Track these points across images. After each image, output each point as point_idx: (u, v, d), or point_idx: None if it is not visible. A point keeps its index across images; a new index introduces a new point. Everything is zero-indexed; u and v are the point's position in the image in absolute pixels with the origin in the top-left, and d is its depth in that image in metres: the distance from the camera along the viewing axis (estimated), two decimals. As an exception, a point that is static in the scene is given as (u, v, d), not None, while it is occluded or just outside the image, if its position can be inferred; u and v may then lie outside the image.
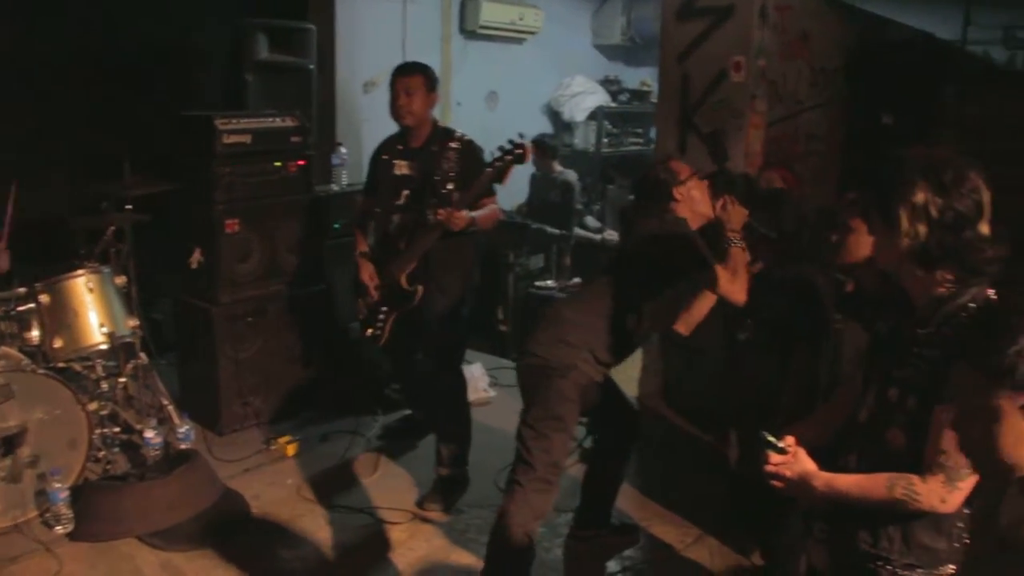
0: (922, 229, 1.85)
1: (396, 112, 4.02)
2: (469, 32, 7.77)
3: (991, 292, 1.88)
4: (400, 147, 4.13)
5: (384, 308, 4.08)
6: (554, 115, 8.81)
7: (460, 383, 4.24)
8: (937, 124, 5.13)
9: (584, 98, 8.65)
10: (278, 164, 4.72)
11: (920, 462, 1.90)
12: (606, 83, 9.05)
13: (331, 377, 4.99)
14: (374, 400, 4.97)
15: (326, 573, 3.56)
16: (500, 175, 3.76)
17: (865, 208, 2.65)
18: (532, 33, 8.17)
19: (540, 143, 7.25)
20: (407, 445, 4.66)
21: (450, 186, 3.90)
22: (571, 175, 7.43)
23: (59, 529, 3.64)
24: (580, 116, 8.65)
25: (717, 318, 4.31)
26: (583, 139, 8.81)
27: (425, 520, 3.93)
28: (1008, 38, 6.19)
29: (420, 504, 4.05)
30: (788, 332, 3.39)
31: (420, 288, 3.98)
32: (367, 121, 6.47)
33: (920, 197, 1.85)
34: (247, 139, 4.57)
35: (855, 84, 5.32)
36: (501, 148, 3.72)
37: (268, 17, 5.46)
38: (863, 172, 2.04)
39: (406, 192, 4.07)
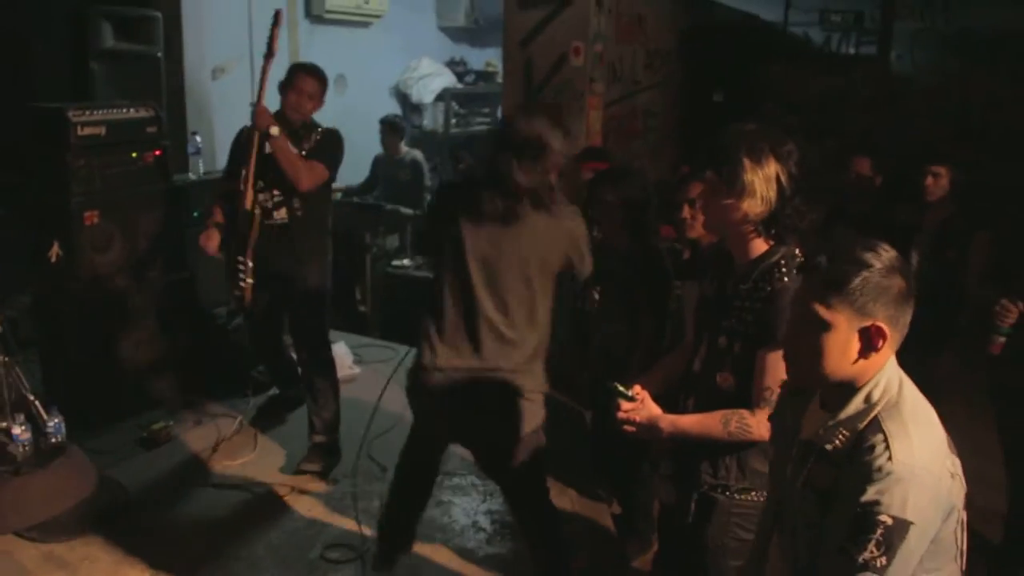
0: (774, 196, 2.16)
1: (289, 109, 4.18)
2: (315, 17, 7.83)
3: (798, 251, 2.22)
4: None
5: (243, 274, 4.20)
6: (402, 97, 8.96)
7: (331, 357, 4.49)
8: (763, 100, 5.60)
9: (431, 80, 8.83)
10: (134, 155, 4.72)
11: (748, 399, 2.22)
12: (452, 65, 9.26)
13: (199, 363, 5.05)
14: (242, 382, 5.03)
15: (211, 549, 3.67)
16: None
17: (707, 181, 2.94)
18: (378, 16, 8.29)
19: (391, 123, 7.36)
20: (278, 422, 4.83)
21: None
22: (418, 154, 7.58)
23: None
24: (428, 98, 8.83)
25: (564, 289, 4.63)
26: (432, 120, 9.01)
27: (304, 492, 4.09)
28: (824, 20, 6.74)
29: (299, 466, 4.25)
30: (634, 298, 3.70)
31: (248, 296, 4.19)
32: (218, 108, 6.49)
33: (772, 168, 2.14)
34: (101, 130, 4.55)
35: (688, 64, 5.73)
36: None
37: (110, 4, 5.41)
38: (707, 147, 2.31)
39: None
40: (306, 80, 4.16)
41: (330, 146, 4.20)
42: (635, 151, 5.26)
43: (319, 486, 4.15)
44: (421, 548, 3.61)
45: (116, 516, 3.86)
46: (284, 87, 4.17)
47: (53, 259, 4.56)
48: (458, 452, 4.45)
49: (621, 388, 2.36)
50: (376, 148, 7.46)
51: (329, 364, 4.45)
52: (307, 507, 3.99)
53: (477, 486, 4.16)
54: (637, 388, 2.38)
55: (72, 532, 3.70)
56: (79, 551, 3.61)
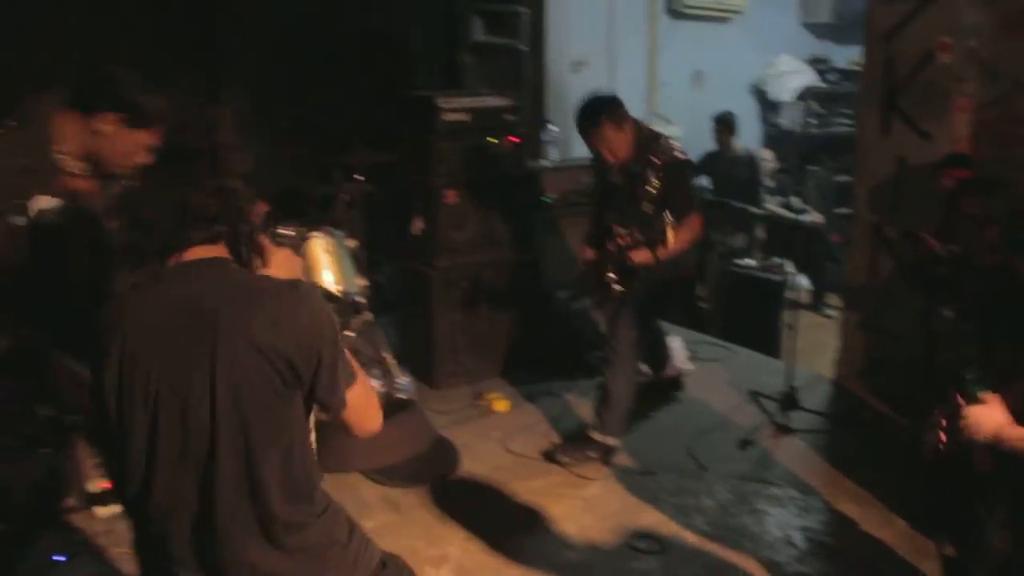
0: None
1: (604, 159, 4.13)
2: (675, 12, 7.88)
3: None
4: None
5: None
6: (760, 94, 8.78)
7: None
8: None
9: (791, 78, 8.59)
10: (493, 140, 5.06)
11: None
12: (814, 62, 8.93)
13: (537, 341, 5.31)
14: (575, 365, 5.24)
15: (522, 517, 3.84)
16: None
17: None
18: (738, 12, 8.19)
19: (724, 120, 7.29)
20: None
21: (648, 206, 3.95)
22: (755, 150, 7.43)
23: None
24: (786, 96, 8.59)
25: (917, 302, 4.32)
26: (789, 119, 8.74)
27: (620, 479, 4.15)
28: None
29: (553, 451, 4.31)
30: (993, 322, 3.38)
31: (619, 288, 4.17)
32: (575, 100, 6.71)
33: None
34: (466, 117, 4.93)
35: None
36: None
37: (482, 1, 5.81)
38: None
39: (614, 199, 4.24)
40: (595, 133, 4.05)
41: (685, 186, 4.06)
42: (1017, 160, 4.74)
43: (636, 476, 4.20)
44: (726, 553, 3.57)
45: (447, 472, 4.17)
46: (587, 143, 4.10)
47: (416, 233, 5.01)
48: (781, 461, 4.33)
49: (971, 385, 2.17)
50: (705, 143, 7.43)
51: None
52: (621, 494, 4.04)
53: (795, 499, 4.00)
54: (989, 394, 2.18)
55: (407, 480, 4.04)
56: (411, 499, 3.93)
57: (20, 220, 2.30)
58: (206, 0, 5.28)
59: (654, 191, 3.95)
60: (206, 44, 5.38)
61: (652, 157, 3.99)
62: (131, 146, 2.41)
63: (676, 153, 4.09)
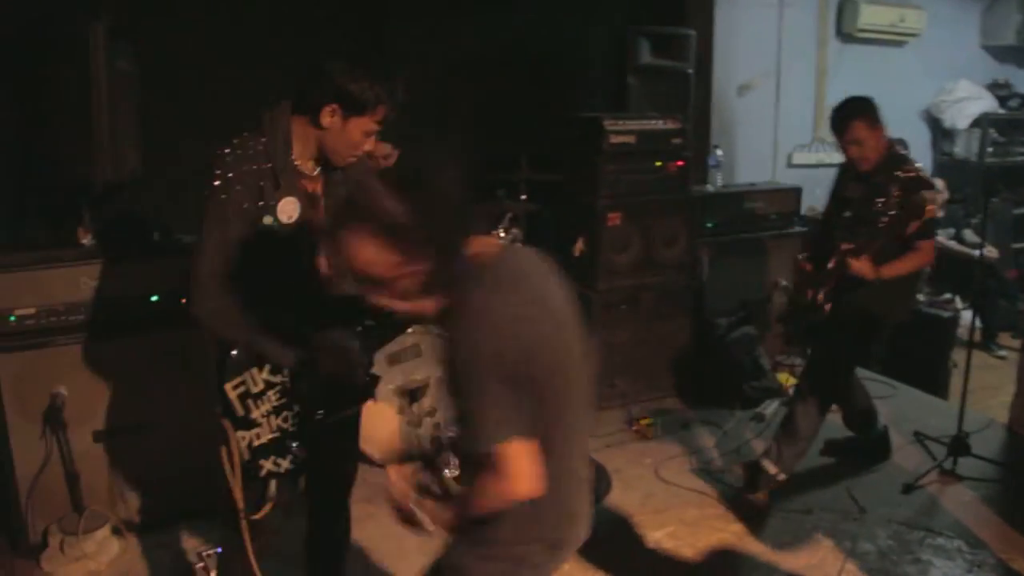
0: None
1: (852, 161, 4.02)
2: (846, 35, 7.64)
3: None
4: (851, 168, 4.11)
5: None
6: (933, 121, 8.43)
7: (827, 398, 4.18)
8: None
9: (968, 104, 8.18)
10: (659, 163, 5.06)
11: None
12: (994, 87, 8.50)
13: (695, 369, 5.28)
14: (733, 395, 5.18)
15: (672, 547, 3.81)
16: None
17: None
18: (914, 35, 7.86)
19: None
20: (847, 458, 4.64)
21: (884, 221, 3.73)
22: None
23: (447, 472, 4.18)
24: (962, 123, 8.20)
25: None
26: (964, 148, 8.34)
27: (771, 516, 4.05)
28: None
29: (745, 490, 4.18)
30: None
31: (828, 306, 4.01)
32: (741, 124, 6.63)
33: None
34: (631, 139, 4.96)
35: None
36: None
37: (650, 24, 5.80)
38: None
39: (848, 214, 4.09)
40: (849, 129, 3.91)
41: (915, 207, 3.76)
42: None
43: (793, 513, 4.08)
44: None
45: (598, 498, 4.13)
46: (839, 140, 3.99)
47: (576, 254, 5.05)
48: (949, 509, 4.13)
49: None
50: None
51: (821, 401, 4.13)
52: (776, 531, 3.94)
53: (964, 552, 3.79)
54: None
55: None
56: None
57: (269, 220, 2.42)
58: (378, 20, 5.45)
59: (894, 205, 3.74)
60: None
61: (898, 172, 3.84)
62: (354, 134, 2.45)
63: (922, 173, 3.93)
